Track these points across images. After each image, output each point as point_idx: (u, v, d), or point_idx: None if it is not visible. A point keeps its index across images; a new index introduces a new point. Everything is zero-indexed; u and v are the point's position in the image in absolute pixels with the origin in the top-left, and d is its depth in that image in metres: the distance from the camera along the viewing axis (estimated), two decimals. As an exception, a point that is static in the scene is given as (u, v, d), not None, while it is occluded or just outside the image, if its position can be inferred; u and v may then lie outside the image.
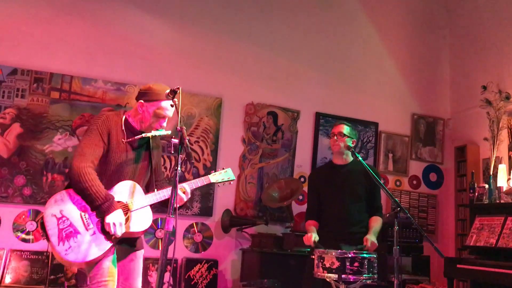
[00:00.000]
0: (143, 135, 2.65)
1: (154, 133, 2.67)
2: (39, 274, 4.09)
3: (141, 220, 2.59)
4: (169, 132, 2.73)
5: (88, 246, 2.43)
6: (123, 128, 2.66)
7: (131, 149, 2.67)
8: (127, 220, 2.55)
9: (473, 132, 5.45)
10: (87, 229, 2.46)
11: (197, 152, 4.84)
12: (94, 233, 2.47)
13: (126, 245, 2.65)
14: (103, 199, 2.45)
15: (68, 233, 2.42)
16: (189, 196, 2.73)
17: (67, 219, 2.44)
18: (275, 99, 5.23)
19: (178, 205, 2.61)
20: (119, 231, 2.47)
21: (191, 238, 4.75)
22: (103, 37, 4.69)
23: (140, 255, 2.75)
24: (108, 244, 2.47)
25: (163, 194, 2.67)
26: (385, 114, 5.68)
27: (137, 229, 2.58)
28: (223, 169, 2.90)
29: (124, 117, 2.69)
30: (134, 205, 2.60)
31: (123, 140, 2.63)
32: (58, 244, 2.39)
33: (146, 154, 2.75)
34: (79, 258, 2.40)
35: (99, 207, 2.45)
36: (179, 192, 2.61)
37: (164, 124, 2.70)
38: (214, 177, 2.85)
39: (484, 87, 5.10)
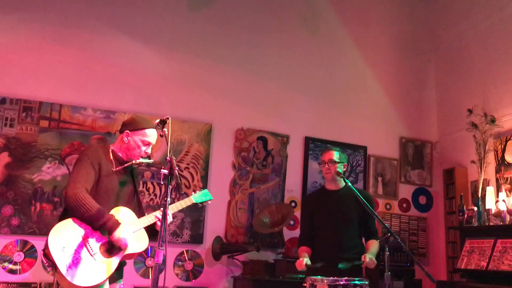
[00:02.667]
0: (133, 162, 2.84)
1: (141, 160, 2.87)
2: (26, 306, 4.01)
3: (139, 241, 2.75)
4: (151, 161, 2.97)
5: (94, 270, 2.56)
6: (112, 158, 2.83)
7: (119, 177, 2.84)
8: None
9: (461, 154, 5.51)
10: (91, 255, 2.58)
11: (187, 178, 4.83)
12: (99, 257, 2.60)
13: (116, 271, 2.74)
14: (106, 218, 2.60)
15: (74, 260, 2.53)
16: (170, 219, 2.88)
17: (71, 246, 2.55)
18: (264, 124, 5.27)
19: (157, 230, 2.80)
20: (128, 242, 2.64)
21: (181, 266, 4.70)
22: (92, 65, 4.71)
23: (119, 284, 2.90)
24: (112, 267, 2.62)
25: (153, 217, 2.83)
26: (373, 138, 5.73)
27: (136, 250, 2.73)
28: (201, 189, 3.13)
29: (111, 149, 2.89)
30: (132, 228, 2.75)
31: (112, 169, 2.80)
32: (67, 271, 2.49)
33: (131, 181, 2.95)
34: (87, 282, 2.52)
35: (103, 226, 2.60)
36: (157, 216, 2.81)
37: (149, 150, 2.92)
38: (195, 198, 3.06)
39: (470, 111, 5.18)
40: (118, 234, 2.60)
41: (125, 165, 2.85)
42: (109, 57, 4.78)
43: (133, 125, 2.88)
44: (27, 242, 4.21)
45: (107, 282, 2.67)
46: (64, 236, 2.56)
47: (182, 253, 4.72)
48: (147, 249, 4.49)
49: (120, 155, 2.88)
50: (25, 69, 4.48)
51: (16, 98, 4.40)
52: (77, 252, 2.55)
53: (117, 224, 2.63)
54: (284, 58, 5.52)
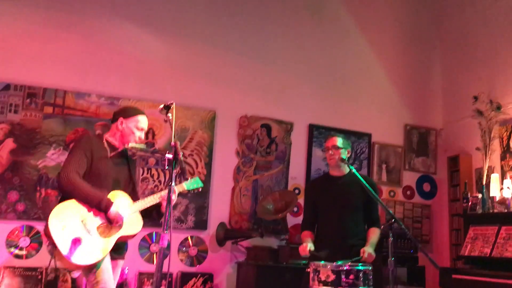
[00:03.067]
0: (126, 146, 2.97)
1: (134, 145, 2.99)
2: (32, 290, 4.05)
3: (133, 224, 2.86)
4: (144, 145, 3.12)
5: (91, 249, 2.67)
6: (105, 145, 2.97)
7: (113, 163, 2.97)
8: (121, 224, 2.80)
9: (466, 142, 5.49)
10: (89, 234, 2.69)
11: (191, 166, 4.84)
12: (96, 237, 2.71)
13: (114, 251, 2.84)
14: (99, 196, 2.73)
15: (73, 239, 2.64)
16: (175, 200, 2.93)
17: (70, 226, 2.66)
18: (268, 111, 5.26)
19: (162, 212, 2.93)
20: (125, 216, 2.78)
21: (186, 251, 4.73)
22: (97, 52, 4.70)
23: (120, 264, 3.03)
24: (109, 247, 2.72)
25: (148, 201, 2.93)
26: (378, 125, 5.71)
27: (130, 232, 2.84)
28: (192, 177, 3.23)
29: (105, 137, 3.03)
30: (129, 209, 2.85)
31: (107, 156, 2.93)
32: (65, 250, 2.61)
33: (127, 166, 3.08)
34: (84, 261, 2.64)
35: (99, 205, 2.72)
36: (157, 199, 2.94)
37: (142, 136, 3.04)
38: (187, 185, 3.16)
39: (476, 98, 5.14)
40: (114, 209, 2.73)
41: (119, 149, 2.98)
42: (113, 43, 4.76)
43: (127, 112, 3.03)
44: (32, 227, 4.24)
45: (108, 260, 2.78)
46: (64, 216, 2.67)
47: (186, 239, 4.75)
48: (151, 234, 4.54)
49: (115, 142, 3.01)
50: (29, 56, 4.48)
51: (20, 84, 4.40)
52: (76, 231, 2.66)
53: (110, 202, 2.75)
54: (288, 45, 5.49)
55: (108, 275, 2.76)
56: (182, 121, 4.86)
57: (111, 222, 2.76)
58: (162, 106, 2.65)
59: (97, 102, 4.60)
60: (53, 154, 4.40)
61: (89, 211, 2.74)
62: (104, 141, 3.00)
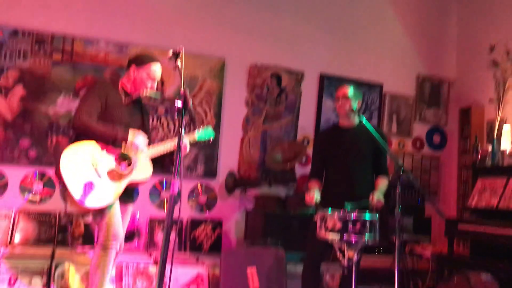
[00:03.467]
0: (140, 94, 3.00)
1: (148, 93, 3.00)
2: (47, 234, 4.17)
3: (144, 170, 2.91)
4: (158, 94, 3.29)
5: (101, 193, 2.72)
6: (120, 92, 2.98)
7: (127, 109, 3.00)
8: (132, 169, 2.87)
9: (479, 93, 5.40)
10: (98, 178, 2.75)
11: (201, 115, 4.83)
12: (106, 181, 2.76)
13: (124, 196, 2.91)
14: (115, 130, 2.82)
15: (83, 182, 2.70)
16: (188, 149, 3.06)
17: (80, 169, 2.71)
18: (279, 60, 5.17)
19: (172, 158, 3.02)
20: (143, 142, 2.88)
21: (195, 199, 4.81)
22: (104, -3, 4.60)
23: (130, 208, 3.11)
24: (119, 191, 2.78)
25: (160, 148, 2.98)
26: (390, 75, 5.62)
27: (141, 177, 2.90)
28: (203, 127, 3.23)
29: (120, 83, 3.04)
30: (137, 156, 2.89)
31: (121, 102, 2.95)
32: (75, 193, 2.66)
33: (140, 114, 3.11)
34: (93, 204, 2.69)
35: (116, 137, 2.81)
36: (171, 146, 2.98)
37: (154, 85, 3.04)
38: (198, 135, 3.16)
39: (492, 48, 5.01)
40: (131, 137, 2.82)
41: (133, 97, 2.99)
42: (120, -12, 4.65)
43: (139, 60, 3.01)
44: (45, 173, 4.31)
45: (117, 204, 2.85)
46: (75, 158, 2.73)
47: (196, 186, 4.82)
48: (161, 181, 4.61)
49: (128, 88, 3.02)
50: (37, 1, 4.39)
51: (29, 30, 4.34)
52: (87, 175, 2.71)
53: (126, 133, 2.83)
54: (300, -9, 5.32)
55: (117, 219, 2.84)
56: (191, 69, 4.81)
57: (125, 158, 2.82)
58: (171, 53, 2.59)
59: (105, 49, 4.55)
60: (63, 101, 4.41)
61: (102, 149, 2.80)
62: (119, 87, 3.02)
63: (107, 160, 2.82)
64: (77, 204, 2.68)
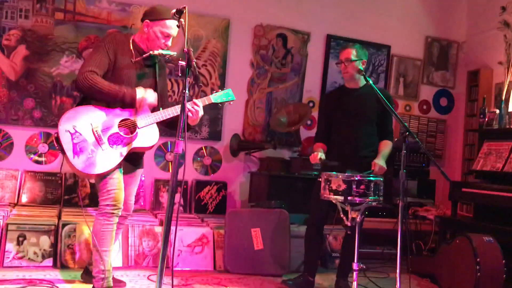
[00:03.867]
0: (150, 52, 2.76)
1: (160, 51, 2.77)
2: (53, 194, 4.22)
3: (149, 136, 2.75)
4: (174, 53, 2.84)
5: (101, 159, 2.62)
6: (131, 48, 2.77)
7: (138, 69, 2.79)
8: (135, 135, 2.71)
9: (488, 56, 5.30)
10: (99, 144, 2.63)
11: (205, 76, 4.78)
12: (107, 147, 2.64)
13: (131, 162, 2.84)
14: (122, 88, 2.64)
15: (82, 147, 2.60)
16: (201, 112, 2.79)
17: (80, 134, 2.60)
18: (284, 20, 5.07)
19: (190, 124, 2.82)
20: (154, 99, 2.74)
21: (200, 161, 4.83)
22: (106, -46, 4.48)
23: (139, 173, 3.01)
24: (118, 158, 2.66)
25: (168, 112, 2.76)
26: (398, 37, 5.51)
27: (145, 144, 2.75)
28: (224, 89, 2.97)
29: (131, 39, 2.81)
30: (141, 123, 2.73)
31: (131, 59, 2.75)
32: (73, 158, 2.58)
33: (153, 76, 2.88)
34: (93, 170, 2.60)
35: (124, 96, 2.64)
36: (190, 107, 2.74)
37: (169, 43, 2.80)
38: (215, 97, 2.91)
39: (504, 8, 4.89)
40: (140, 95, 2.67)
41: (144, 55, 2.77)
42: None
43: (154, 14, 2.76)
44: (50, 134, 4.32)
45: (119, 172, 2.73)
46: (76, 122, 2.61)
47: (200, 149, 4.83)
48: (166, 143, 4.62)
49: (141, 45, 2.80)
50: (35, -43, 4.29)
51: (29, -12, 4.26)
52: (86, 139, 2.60)
53: (134, 91, 2.67)
54: None
55: (118, 185, 2.72)
56: (195, 29, 4.73)
57: (137, 110, 2.69)
58: (174, 10, 2.52)
59: (108, 8, 4.47)
60: (66, 61, 4.36)
61: (106, 113, 2.65)
62: (130, 42, 2.79)
63: (109, 125, 2.67)
64: (76, 169, 2.60)
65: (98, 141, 2.62)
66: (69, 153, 2.58)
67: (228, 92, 2.97)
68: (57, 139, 2.61)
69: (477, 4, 5.59)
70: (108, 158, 2.64)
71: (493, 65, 5.18)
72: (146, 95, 2.71)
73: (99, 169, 2.61)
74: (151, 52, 2.76)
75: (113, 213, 2.73)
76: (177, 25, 2.63)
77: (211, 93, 3.00)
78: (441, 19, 5.71)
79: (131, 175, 2.95)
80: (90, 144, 2.61)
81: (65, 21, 4.37)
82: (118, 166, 2.70)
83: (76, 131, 2.60)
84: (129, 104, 2.70)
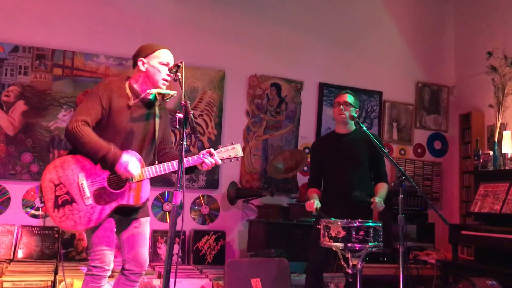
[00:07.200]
0: (147, 91, 2.60)
1: (159, 90, 2.63)
2: (50, 248, 4.17)
3: (139, 193, 2.55)
4: (175, 92, 2.69)
5: (83, 215, 2.44)
6: (127, 92, 2.61)
7: (135, 113, 2.60)
8: (124, 191, 2.52)
9: (478, 99, 5.42)
10: (82, 198, 2.45)
11: (202, 126, 4.85)
12: (90, 202, 2.46)
13: (126, 214, 2.61)
14: (106, 148, 2.42)
15: (64, 201, 2.43)
16: (218, 162, 2.66)
17: (64, 186, 2.45)
18: (278, 70, 5.20)
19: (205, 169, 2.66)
20: (136, 172, 2.47)
21: (198, 210, 4.81)
22: (103, 12, 4.64)
23: (145, 222, 2.70)
24: (102, 215, 2.46)
25: (164, 167, 2.57)
26: (389, 83, 5.64)
27: (133, 202, 2.54)
28: (232, 144, 2.77)
29: (127, 83, 2.66)
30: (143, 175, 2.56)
31: (128, 103, 2.57)
32: (53, 211, 2.43)
33: (153, 118, 2.69)
34: (72, 226, 2.43)
35: (105, 157, 2.42)
36: (208, 161, 2.62)
37: (168, 78, 2.65)
38: (219, 154, 2.70)
39: (489, 53, 5.04)
40: (124, 160, 2.42)
41: (141, 96, 2.60)
42: (120, 3, 4.70)
43: (145, 50, 2.67)
44: (41, 180, 4.30)
45: (111, 229, 2.54)
46: (62, 172, 2.46)
47: (198, 198, 4.82)
48: (163, 193, 4.60)
49: (138, 88, 2.64)
50: (36, 16, 4.44)
51: (29, 45, 4.38)
52: (69, 192, 2.44)
53: (118, 153, 2.43)
54: (298, 2, 5.36)
55: (109, 243, 2.52)
56: (191, 81, 4.84)
57: (121, 177, 2.46)
58: (171, 65, 2.59)
59: (105, 63, 4.59)
60: (64, 115, 4.43)
61: (91, 169, 2.47)
62: (126, 86, 2.63)
63: (98, 178, 2.48)
64: (56, 223, 2.42)
65: (82, 195, 2.45)
66: (49, 204, 2.43)
67: (236, 148, 2.76)
68: (41, 191, 2.52)
69: (464, 50, 5.77)
70: (90, 214, 2.44)
71: (483, 108, 5.29)
72: (129, 165, 2.45)
73: (79, 226, 2.43)
74: (148, 91, 2.61)
75: (101, 276, 2.50)
76: (174, 79, 2.63)
77: (211, 143, 2.91)
78: (431, 64, 5.87)
79: (132, 226, 2.67)
80: (73, 198, 2.44)
81: (63, 76, 4.47)
82: (106, 223, 2.50)
83: (60, 182, 2.44)
84: (110, 165, 2.45)
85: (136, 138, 2.61)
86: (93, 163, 2.50)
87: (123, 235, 2.66)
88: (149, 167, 2.57)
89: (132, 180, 2.52)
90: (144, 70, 2.63)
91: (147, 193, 2.58)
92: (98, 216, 2.46)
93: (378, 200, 3.19)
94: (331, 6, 5.49)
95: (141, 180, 2.54)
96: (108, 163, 2.43)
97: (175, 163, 2.57)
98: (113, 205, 2.49)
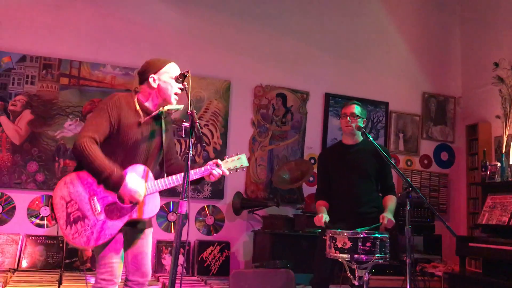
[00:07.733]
0: (160, 109, 2.59)
1: (169, 107, 2.62)
2: (54, 258, 4.15)
3: (149, 206, 2.55)
4: (181, 106, 2.68)
5: (95, 230, 2.43)
6: (138, 109, 2.58)
7: (143, 130, 2.59)
8: (141, 204, 2.52)
9: (485, 110, 5.39)
10: (94, 214, 2.44)
11: (207, 136, 4.85)
12: (102, 217, 2.45)
13: (134, 227, 2.62)
14: (110, 170, 2.38)
15: (76, 217, 2.43)
16: (226, 173, 2.67)
17: (76, 202, 2.44)
18: (284, 80, 5.20)
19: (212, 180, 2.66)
20: (139, 197, 2.45)
21: (203, 220, 4.79)
22: (110, 22, 4.67)
23: (148, 233, 2.72)
24: (114, 230, 2.46)
25: (173, 180, 2.57)
26: (395, 94, 5.63)
27: (144, 215, 2.54)
28: (237, 154, 2.75)
29: (136, 98, 2.63)
30: (147, 190, 2.54)
31: (139, 121, 2.57)
32: (66, 228, 2.42)
33: (159, 135, 2.68)
34: (85, 242, 2.42)
35: (108, 179, 2.39)
36: (215, 172, 2.62)
37: (179, 91, 2.64)
38: (226, 165, 2.70)
39: (496, 64, 5.02)
40: (129, 185, 2.40)
41: (153, 114, 2.58)
42: (127, 13, 4.73)
43: (154, 66, 2.63)
44: (52, 197, 4.30)
45: (120, 242, 2.54)
46: (73, 189, 2.45)
47: (203, 208, 4.80)
48: (168, 203, 4.59)
49: (147, 105, 2.62)
50: (44, 27, 4.47)
51: (36, 55, 4.41)
52: (81, 208, 2.43)
53: (122, 177, 2.40)
54: (305, 13, 5.38)
55: (118, 256, 2.52)
56: (197, 91, 4.84)
57: (123, 201, 2.45)
58: (177, 75, 2.59)
59: (112, 73, 4.61)
60: (70, 125, 4.44)
61: (97, 186, 2.45)
62: (135, 102, 2.59)
63: (109, 193, 2.46)
64: (68, 240, 2.42)
65: (94, 211, 2.44)
66: (61, 221, 2.42)
67: (242, 158, 2.76)
68: (52, 206, 2.47)
69: (471, 61, 5.75)
70: (103, 229, 2.44)
71: (490, 119, 5.26)
72: (133, 185, 2.43)
73: (93, 241, 2.42)
74: (160, 109, 2.60)
75: None
76: (180, 88, 2.63)
77: (216, 153, 2.89)
78: (437, 75, 5.86)
79: (140, 236, 2.68)
80: (85, 214, 2.43)
81: (69, 85, 4.49)
82: (116, 236, 2.49)
83: (71, 199, 2.43)
84: (112, 188, 2.43)
85: (143, 152, 2.60)
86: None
87: (127, 246, 2.64)
88: (156, 181, 2.56)
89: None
90: (156, 86, 2.60)
91: (158, 207, 2.58)
92: (110, 231, 2.45)
93: (387, 218, 3.14)
94: (337, 17, 5.51)
95: (151, 193, 2.54)
96: (110, 186, 2.42)
97: (179, 176, 2.56)
98: (125, 219, 2.49)
